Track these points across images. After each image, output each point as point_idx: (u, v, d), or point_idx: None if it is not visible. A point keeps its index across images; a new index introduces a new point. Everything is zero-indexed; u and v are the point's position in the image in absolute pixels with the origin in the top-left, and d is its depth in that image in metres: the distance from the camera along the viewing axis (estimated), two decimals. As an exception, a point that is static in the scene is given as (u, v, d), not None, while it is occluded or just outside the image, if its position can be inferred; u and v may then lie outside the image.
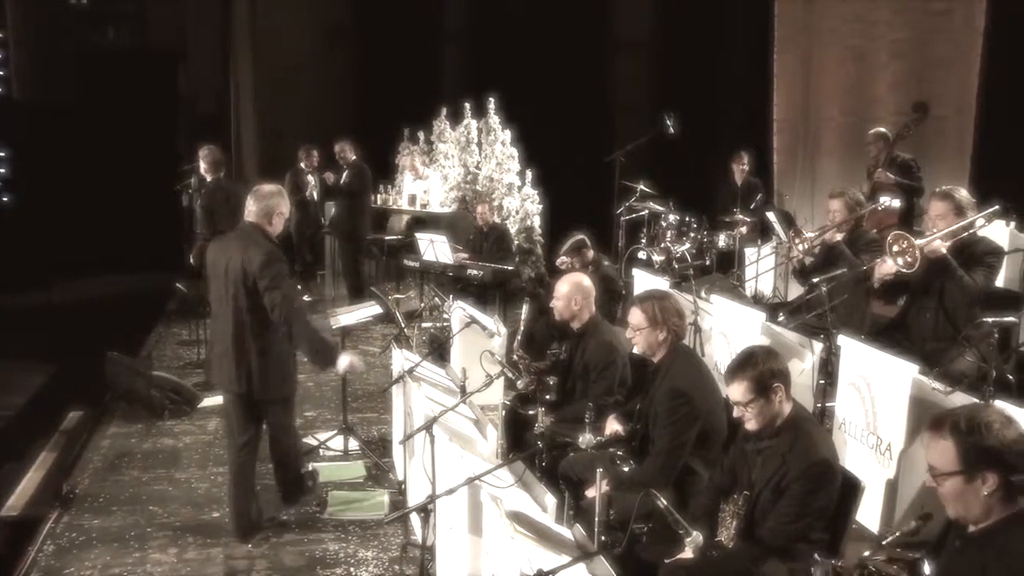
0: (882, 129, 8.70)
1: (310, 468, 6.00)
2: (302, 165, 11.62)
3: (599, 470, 3.81)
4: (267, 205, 5.11)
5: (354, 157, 11.22)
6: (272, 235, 5.16)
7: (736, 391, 3.69)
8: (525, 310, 6.03)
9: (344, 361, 5.13)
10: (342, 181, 11.18)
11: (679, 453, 4.28)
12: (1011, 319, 5.01)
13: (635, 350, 4.76)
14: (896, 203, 7.88)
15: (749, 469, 3.78)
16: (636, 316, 4.58)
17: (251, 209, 5.14)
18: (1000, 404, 4.13)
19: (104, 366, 7.63)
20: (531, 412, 5.16)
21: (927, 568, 2.76)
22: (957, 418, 2.67)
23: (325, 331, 5.43)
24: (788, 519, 3.54)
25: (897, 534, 2.95)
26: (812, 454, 3.57)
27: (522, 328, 6.03)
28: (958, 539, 2.79)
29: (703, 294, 7.00)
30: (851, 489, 3.64)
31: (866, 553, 2.92)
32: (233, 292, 5.01)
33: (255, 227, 5.11)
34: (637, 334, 4.58)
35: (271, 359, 5.08)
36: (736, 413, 3.76)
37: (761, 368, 3.66)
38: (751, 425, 3.71)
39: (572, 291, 5.36)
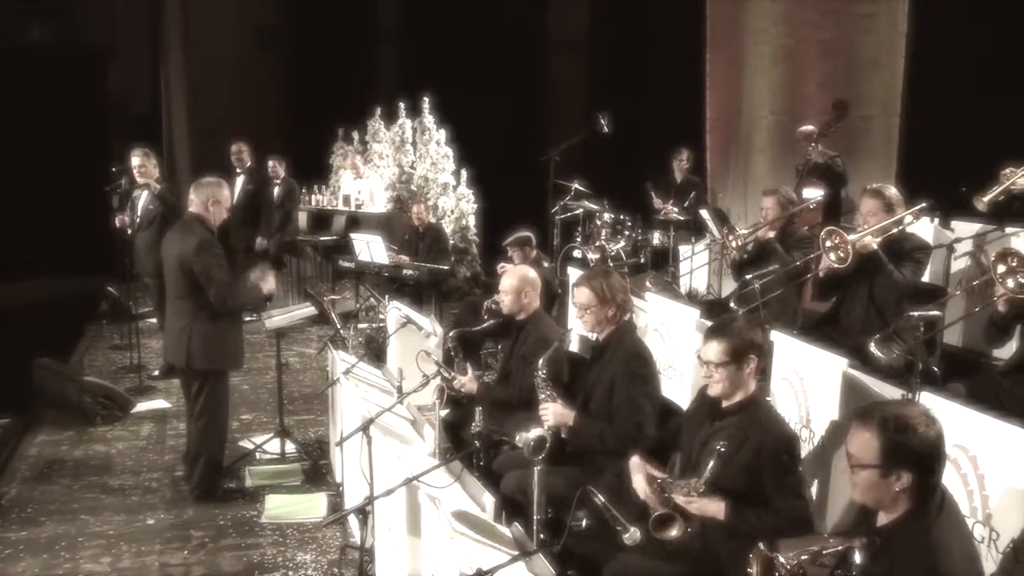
0: (809, 127, 8.89)
1: (248, 483, 6.07)
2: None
3: (536, 469, 3.82)
4: (205, 195, 5.65)
5: (284, 173, 11.22)
6: (211, 223, 5.67)
7: (711, 350, 3.68)
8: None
9: (267, 286, 5.89)
10: (275, 195, 11.13)
11: (643, 409, 4.36)
12: (936, 313, 5.14)
13: (583, 329, 4.83)
14: (820, 195, 8.05)
15: (702, 452, 3.73)
16: (584, 295, 4.63)
17: (192, 199, 5.70)
18: (926, 394, 4.25)
19: (32, 372, 7.46)
20: (441, 406, 5.13)
21: (858, 557, 2.83)
22: (885, 415, 2.75)
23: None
24: (792, 493, 3.51)
25: (830, 541, 3.01)
26: (785, 428, 3.66)
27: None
28: (866, 534, 2.88)
29: (638, 291, 7.06)
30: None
31: (791, 554, 2.96)
32: (175, 277, 5.59)
33: (194, 217, 5.66)
34: (586, 312, 4.64)
35: (206, 334, 5.58)
36: (703, 373, 3.75)
37: (743, 335, 3.67)
38: (714, 390, 3.71)
39: (520, 284, 5.38)
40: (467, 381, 5.37)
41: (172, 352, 5.80)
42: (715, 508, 3.56)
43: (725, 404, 3.74)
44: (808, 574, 2.86)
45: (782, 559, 2.91)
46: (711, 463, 3.53)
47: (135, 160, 8.17)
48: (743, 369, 3.66)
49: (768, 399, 5.56)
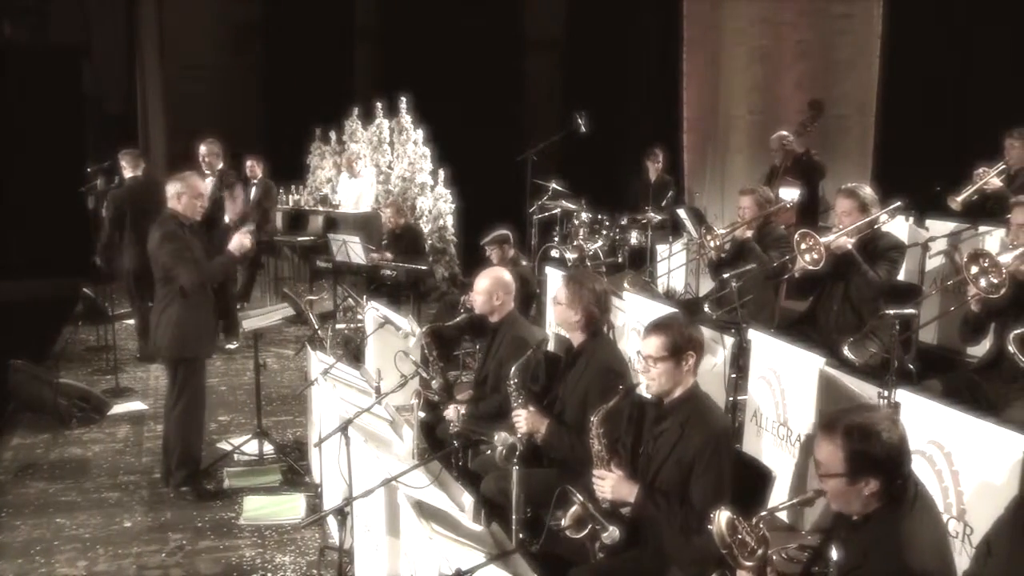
0: (783, 132, 8.95)
1: (226, 484, 6.04)
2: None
3: (515, 469, 3.83)
4: (171, 190, 5.79)
5: (261, 174, 11.20)
6: (185, 217, 5.76)
7: (650, 345, 3.67)
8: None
9: (235, 242, 5.88)
10: (251, 196, 11.10)
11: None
12: (911, 311, 5.18)
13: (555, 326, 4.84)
14: (796, 194, 8.09)
15: (647, 451, 3.76)
16: (562, 295, 4.62)
17: (167, 196, 5.83)
18: (901, 392, 4.29)
19: (7, 375, 7.39)
20: (419, 407, 5.12)
21: (834, 553, 2.86)
22: (849, 424, 2.78)
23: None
24: (712, 492, 3.47)
25: (794, 500, 3.04)
26: (715, 423, 3.61)
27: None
28: (843, 528, 2.93)
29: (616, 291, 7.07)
30: (762, 479, 3.72)
31: (758, 514, 2.96)
32: (155, 271, 5.78)
33: (169, 213, 5.77)
34: (558, 308, 4.66)
35: (176, 323, 5.72)
36: (640, 368, 3.75)
37: (683, 332, 3.67)
38: (651, 388, 3.70)
39: (493, 286, 5.36)
40: (453, 416, 5.23)
41: (152, 341, 6.06)
42: (627, 491, 3.63)
43: (667, 401, 3.72)
44: (769, 537, 2.87)
45: (744, 521, 2.91)
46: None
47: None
48: (681, 366, 3.65)
49: (744, 398, 5.63)
